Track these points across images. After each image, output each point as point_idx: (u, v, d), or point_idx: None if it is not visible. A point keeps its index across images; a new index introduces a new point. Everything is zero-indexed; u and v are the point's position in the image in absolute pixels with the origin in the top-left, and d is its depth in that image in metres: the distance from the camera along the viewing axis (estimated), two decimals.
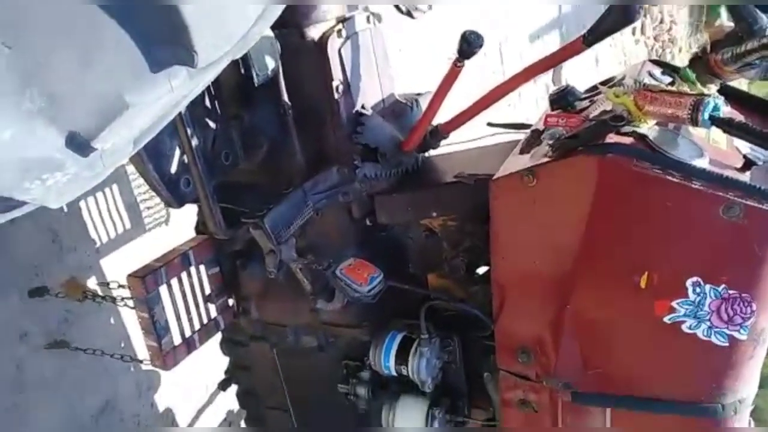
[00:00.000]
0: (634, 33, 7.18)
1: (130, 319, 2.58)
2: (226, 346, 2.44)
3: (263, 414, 2.51)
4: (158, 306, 1.99)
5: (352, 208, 1.88)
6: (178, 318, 2.06)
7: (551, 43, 5.42)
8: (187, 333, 2.10)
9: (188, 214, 2.22)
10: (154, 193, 2.91)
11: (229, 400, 3.17)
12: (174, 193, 1.68)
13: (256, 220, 1.63)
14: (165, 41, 0.92)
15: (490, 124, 1.90)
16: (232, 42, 0.97)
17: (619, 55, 6.88)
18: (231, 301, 2.23)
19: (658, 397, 1.58)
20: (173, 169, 1.64)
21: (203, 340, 2.16)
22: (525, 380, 1.71)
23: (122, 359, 2.35)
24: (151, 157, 1.59)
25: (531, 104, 4.45)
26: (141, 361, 2.25)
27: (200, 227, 2.12)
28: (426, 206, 1.83)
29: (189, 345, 2.11)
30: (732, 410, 1.55)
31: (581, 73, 4.98)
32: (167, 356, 2.05)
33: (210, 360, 2.59)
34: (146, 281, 1.93)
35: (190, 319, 2.10)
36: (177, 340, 2.07)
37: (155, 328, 1.99)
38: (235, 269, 2.13)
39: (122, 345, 2.68)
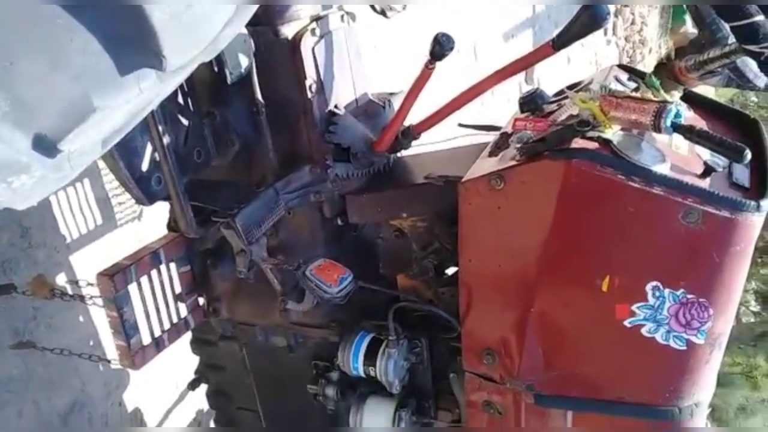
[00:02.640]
0: (605, 34, 7.29)
1: (100, 318, 2.56)
2: (196, 345, 2.44)
3: (233, 414, 2.51)
4: (128, 305, 1.98)
5: (324, 208, 1.89)
6: (148, 317, 2.05)
7: (525, 42, 5.48)
8: (157, 332, 2.09)
9: (160, 210, 2.21)
10: (127, 192, 2.90)
11: (199, 399, 3.15)
12: (145, 191, 1.68)
13: (227, 219, 1.63)
14: (133, 45, 0.93)
15: (461, 125, 1.92)
16: (201, 46, 0.97)
17: (591, 56, 6.98)
18: (201, 300, 2.23)
19: (618, 399, 1.62)
20: (144, 166, 1.63)
21: (173, 339, 2.15)
22: (490, 382, 1.74)
23: (90, 359, 2.33)
24: (122, 154, 1.58)
25: (503, 103, 4.49)
26: (109, 361, 2.24)
27: (172, 224, 2.11)
28: (396, 207, 1.85)
29: (158, 344, 2.10)
30: (688, 413, 1.60)
31: (553, 72, 5.05)
32: (136, 356, 2.04)
33: (180, 359, 2.59)
34: (115, 280, 1.91)
35: (160, 319, 2.09)
36: (146, 339, 2.06)
37: (124, 328, 1.98)
38: (206, 268, 2.12)
39: (91, 344, 2.66)
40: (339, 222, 1.95)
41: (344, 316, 2.00)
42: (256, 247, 1.69)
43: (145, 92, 0.96)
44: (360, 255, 2.03)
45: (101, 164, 2.79)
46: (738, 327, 10.79)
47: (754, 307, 11.09)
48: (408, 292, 1.93)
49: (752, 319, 10.78)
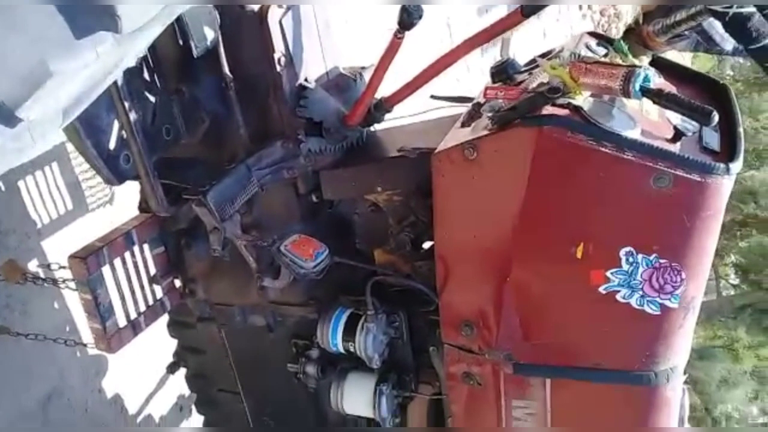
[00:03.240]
0: (581, 8, 7.28)
1: (75, 303, 2.52)
2: (174, 328, 2.42)
3: (214, 397, 2.50)
4: (101, 287, 1.95)
5: (298, 184, 1.87)
6: (123, 299, 2.03)
7: (500, 15, 5.46)
8: (133, 315, 2.07)
9: (132, 194, 2.18)
10: (96, 172, 2.86)
11: (180, 384, 3.14)
12: (114, 170, 1.65)
13: (198, 196, 1.61)
14: (88, 7, 0.90)
15: (433, 97, 1.91)
16: (157, 7, 0.95)
17: (566, 29, 6.98)
18: (177, 283, 2.20)
19: (595, 366, 1.63)
20: (112, 145, 1.60)
21: (149, 321, 2.13)
22: (469, 353, 1.74)
23: (66, 343, 2.30)
24: (89, 133, 1.55)
25: (479, 77, 4.48)
26: (85, 345, 2.21)
27: (144, 205, 2.08)
28: (370, 181, 1.84)
29: (135, 327, 2.08)
30: (664, 378, 1.61)
31: (529, 46, 5.03)
32: (112, 339, 2.02)
33: (159, 343, 2.56)
34: (88, 262, 1.89)
35: (135, 301, 2.07)
36: (122, 322, 2.04)
37: (99, 311, 1.96)
38: (180, 249, 2.10)
39: (67, 329, 2.62)
40: (314, 198, 1.94)
41: (322, 293, 1.99)
42: (229, 225, 1.67)
43: (103, 57, 0.94)
44: (336, 231, 2.01)
45: (70, 148, 2.75)
46: (719, 300, 10.96)
47: (734, 280, 11.27)
48: (385, 267, 1.92)
49: (732, 292, 10.95)
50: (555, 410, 1.70)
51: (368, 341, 1.82)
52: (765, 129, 13.26)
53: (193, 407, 3.00)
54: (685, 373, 1.72)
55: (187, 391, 3.06)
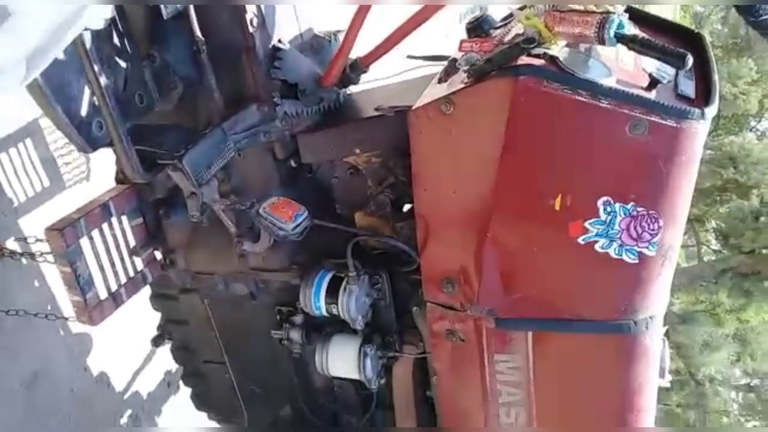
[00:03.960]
0: None
1: (55, 278, 2.50)
2: (157, 300, 2.40)
3: (200, 368, 2.50)
4: (80, 259, 1.94)
5: (275, 149, 1.85)
6: (103, 272, 2.01)
7: None
8: (113, 287, 2.05)
9: (109, 169, 2.14)
10: (72, 148, 2.81)
11: (166, 360, 3.13)
12: (86, 137, 1.62)
13: (173, 160, 1.58)
14: None
15: (410, 57, 1.89)
16: None
17: None
18: (158, 254, 2.19)
19: (575, 317, 1.64)
20: (84, 111, 1.57)
21: (131, 293, 2.11)
22: (451, 310, 1.75)
23: (47, 318, 2.28)
24: (59, 99, 1.52)
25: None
26: (67, 319, 2.20)
27: (120, 176, 2.05)
28: (348, 143, 1.82)
29: (116, 299, 2.06)
30: (643, 326, 1.63)
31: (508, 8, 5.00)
32: (93, 311, 2.00)
33: (143, 320, 2.55)
34: (65, 234, 1.87)
35: (116, 273, 2.05)
36: (103, 294, 2.02)
37: (79, 283, 1.94)
38: (159, 219, 2.08)
39: (49, 307, 2.60)
40: (293, 164, 1.92)
41: (304, 258, 1.98)
42: (206, 189, 1.65)
43: None
44: (316, 197, 2.00)
45: (44, 124, 2.70)
46: (700, 265, 11.12)
47: (715, 245, 11.43)
48: (366, 230, 1.91)
49: (713, 257, 11.12)
50: (537, 363, 1.72)
51: (351, 303, 1.82)
52: (743, 94, 13.37)
53: (181, 382, 3.00)
54: (665, 326, 1.75)
55: (174, 367, 3.07)
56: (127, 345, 3.12)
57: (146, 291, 2.33)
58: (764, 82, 13.70)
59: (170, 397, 3.42)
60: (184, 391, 2.86)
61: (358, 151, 1.83)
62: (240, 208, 1.68)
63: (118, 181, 2.06)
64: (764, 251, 9.66)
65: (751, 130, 14.79)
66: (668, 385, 1.97)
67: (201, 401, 2.62)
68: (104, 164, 2.14)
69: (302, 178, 1.99)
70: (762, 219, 9.61)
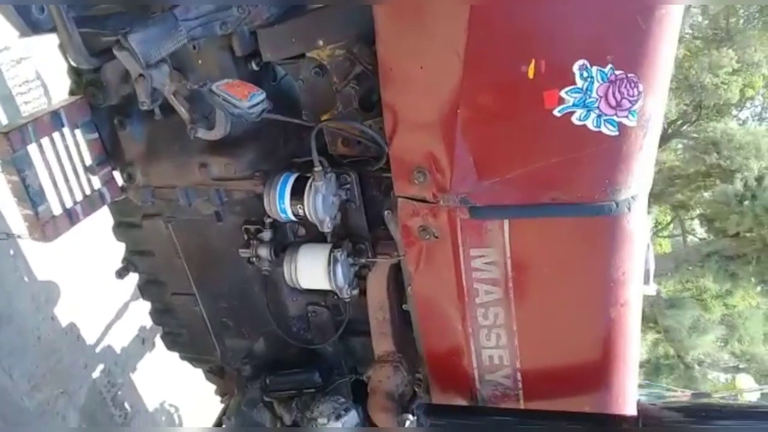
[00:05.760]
0: None
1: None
2: (119, 230, 2.30)
3: (169, 302, 2.38)
4: (29, 168, 1.82)
5: (234, 44, 1.74)
6: (56, 186, 1.90)
7: None
8: (68, 203, 1.94)
9: None
10: (32, 85, 2.70)
11: (141, 316, 3.01)
12: (27, 20, 1.52)
13: (118, 37, 1.48)
14: None
15: None
16: None
17: None
18: (116, 175, 2.08)
19: (553, 201, 1.55)
20: None
21: (87, 212, 2.00)
22: (423, 203, 1.65)
23: None
24: None
25: None
26: (19, 236, 2.08)
27: (73, 87, 1.95)
28: (311, 34, 1.72)
29: (71, 216, 1.95)
30: (626, 207, 1.54)
31: None
32: (46, 226, 1.88)
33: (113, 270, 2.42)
34: (11, 137, 1.75)
35: (70, 189, 1.94)
36: (56, 209, 1.91)
37: (28, 194, 1.83)
38: (114, 134, 1.97)
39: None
40: (254, 67, 1.82)
41: (268, 166, 1.88)
42: (156, 73, 1.54)
43: None
44: (281, 106, 1.90)
45: (2, 59, 2.59)
46: (686, 250, 11.13)
47: (701, 234, 11.43)
48: (334, 131, 1.81)
49: (698, 240, 11.12)
50: (515, 254, 1.63)
51: (318, 202, 1.72)
52: (724, 84, 13.44)
53: (157, 340, 2.88)
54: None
55: (148, 324, 2.94)
56: (97, 298, 3.00)
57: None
58: (745, 72, 13.78)
59: (146, 354, 3.30)
60: (160, 349, 2.74)
61: (321, 42, 1.72)
62: (192, 87, 1.57)
63: (72, 92, 1.96)
64: (748, 234, 9.67)
65: (733, 120, 14.87)
66: (654, 293, 1.88)
67: (172, 340, 2.50)
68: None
69: (265, 86, 1.88)
70: (746, 203, 9.61)
